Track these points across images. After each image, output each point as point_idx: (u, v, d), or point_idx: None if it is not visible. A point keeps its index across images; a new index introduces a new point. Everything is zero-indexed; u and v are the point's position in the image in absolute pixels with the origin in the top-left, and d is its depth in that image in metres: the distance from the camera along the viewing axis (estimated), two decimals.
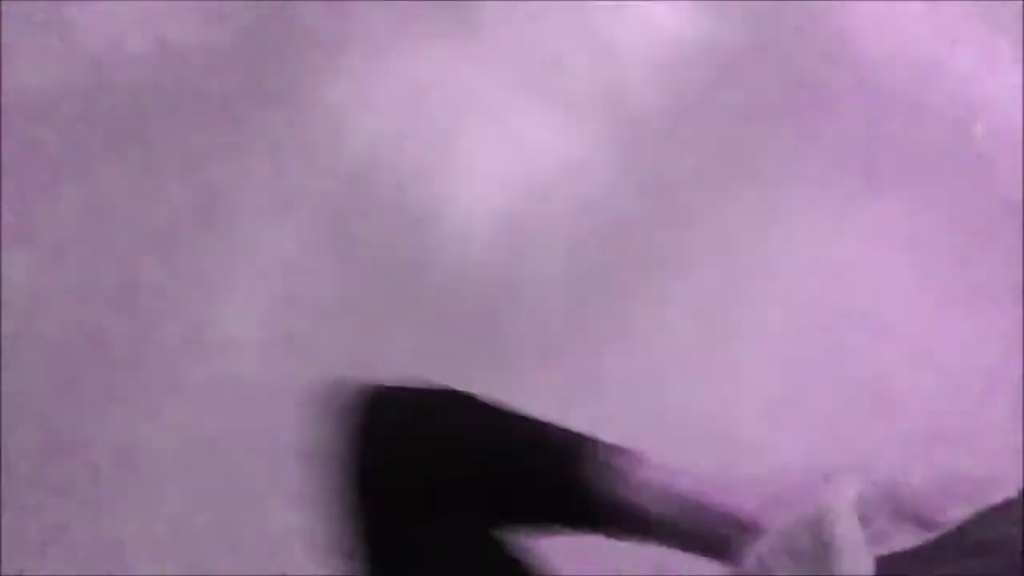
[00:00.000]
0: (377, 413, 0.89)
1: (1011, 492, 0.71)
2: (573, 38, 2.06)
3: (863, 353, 1.82)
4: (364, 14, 2.03)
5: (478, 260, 1.86)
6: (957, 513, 0.71)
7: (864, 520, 0.71)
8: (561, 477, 0.85)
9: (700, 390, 1.76)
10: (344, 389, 0.90)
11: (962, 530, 0.70)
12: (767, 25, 2.09)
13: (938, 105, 2.03)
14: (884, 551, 0.69)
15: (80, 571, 1.58)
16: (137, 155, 1.89)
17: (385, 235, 1.87)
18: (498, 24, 2.06)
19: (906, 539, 0.71)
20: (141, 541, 1.61)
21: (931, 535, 0.70)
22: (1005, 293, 1.87)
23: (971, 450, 1.71)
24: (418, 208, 1.89)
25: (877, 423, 1.76)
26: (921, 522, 0.71)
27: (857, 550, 0.69)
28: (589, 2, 2.08)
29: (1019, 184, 1.96)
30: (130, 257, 1.81)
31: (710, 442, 1.68)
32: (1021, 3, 2.09)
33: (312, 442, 0.92)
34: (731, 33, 2.08)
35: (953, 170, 1.99)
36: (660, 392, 1.76)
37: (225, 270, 1.82)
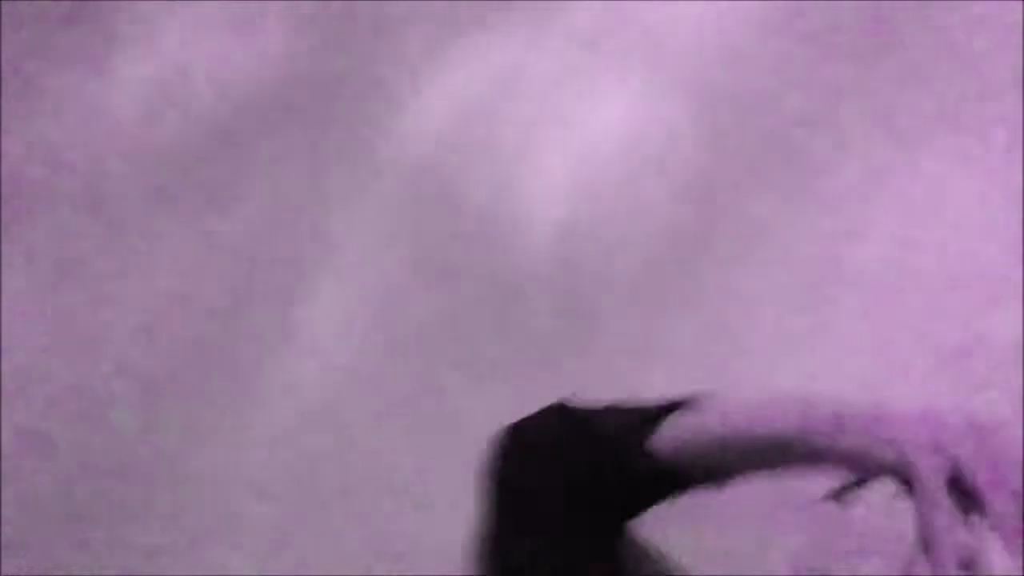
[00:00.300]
0: (501, 457, 0.95)
1: None
2: (657, 22, 1.96)
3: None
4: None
5: (561, 253, 1.78)
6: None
7: None
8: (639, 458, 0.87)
9: (790, 363, 1.66)
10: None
11: None
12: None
13: None
14: None
15: None
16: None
17: (460, 240, 1.80)
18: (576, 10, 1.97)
19: None
20: None
21: None
22: None
23: None
24: (494, 204, 1.81)
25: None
26: None
27: None
28: None
29: None
30: None
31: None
32: None
33: None
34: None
35: None
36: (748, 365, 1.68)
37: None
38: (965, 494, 0.72)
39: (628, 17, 1.95)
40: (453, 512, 1.30)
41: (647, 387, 1.65)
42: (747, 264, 1.76)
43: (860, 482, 0.78)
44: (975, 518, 0.71)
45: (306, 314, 1.78)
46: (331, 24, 1.98)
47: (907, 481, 0.74)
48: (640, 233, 1.78)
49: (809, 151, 1.82)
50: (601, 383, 1.67)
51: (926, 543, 0.71)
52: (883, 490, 0.77)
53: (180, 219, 1.87)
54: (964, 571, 0.71)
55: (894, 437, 0.76)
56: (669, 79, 1.90)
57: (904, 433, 0.76)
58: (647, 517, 0.91)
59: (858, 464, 0.77)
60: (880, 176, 1.80)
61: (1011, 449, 0.73)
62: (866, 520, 1.48)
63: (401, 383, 1.72)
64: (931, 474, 0.73)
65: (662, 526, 1.00)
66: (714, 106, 1.88)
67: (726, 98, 1.89)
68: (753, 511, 1.47)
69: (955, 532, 0.71)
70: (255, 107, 1.94)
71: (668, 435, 0.84)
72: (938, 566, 0.71)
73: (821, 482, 0.80)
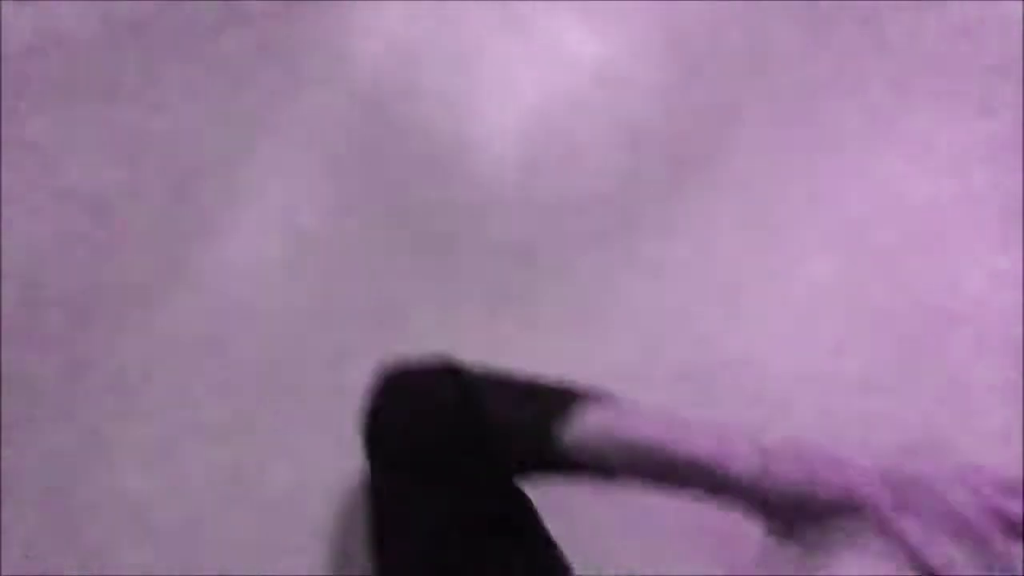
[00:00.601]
0: (386, 394, 1.01)
1: None
2: None
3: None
4: None
5: (513, 179, 1.75)
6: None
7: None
8: (538, 439, 0.91)
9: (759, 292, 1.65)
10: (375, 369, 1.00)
11: None
12: None
13: None
14: None
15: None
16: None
17: (409, 160, 1.76)
18: None
19: None
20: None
21: None
22: None
23: None
24: (444, 127, 1.77)
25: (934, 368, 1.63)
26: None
27: None
28: None
29: None
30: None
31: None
32: None
33: None
34: None
35: None
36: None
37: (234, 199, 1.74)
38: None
39: None
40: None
41: (615, 313, 1.67)
42: (724, 187, 1.73)
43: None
44: None
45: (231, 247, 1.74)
46: None
47: (855, 508, 0.78)
48: (610, 153, 1.75)
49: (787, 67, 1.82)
50: (567, 310, 1.66)
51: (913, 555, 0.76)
52: None
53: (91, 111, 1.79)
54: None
55: (832, 478, 0.80)
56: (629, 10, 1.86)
57: (843, 472, 0.80)
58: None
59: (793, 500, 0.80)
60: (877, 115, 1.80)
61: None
62: None
63: (349, 307, 1.71)
64: (877, 498, 0.78)
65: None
66: (685, 23, 1.85)
67: (696, 14, 1.86)
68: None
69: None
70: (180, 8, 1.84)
71: (575, 429, 0.88)
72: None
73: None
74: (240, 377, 1.60)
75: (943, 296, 1.64)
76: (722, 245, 1.68)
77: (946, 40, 1.84)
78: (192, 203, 1.73)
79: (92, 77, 1.82)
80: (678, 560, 1.45)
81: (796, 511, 0.80)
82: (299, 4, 1.88)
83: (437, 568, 0.93)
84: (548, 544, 1.01)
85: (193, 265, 1.68)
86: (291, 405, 1.58)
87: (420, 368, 1.02)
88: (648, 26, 1.85)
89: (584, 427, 0.89)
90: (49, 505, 1.53)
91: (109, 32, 1.88)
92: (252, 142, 1.76)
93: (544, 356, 1.60)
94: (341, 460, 1.52)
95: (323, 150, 1.76)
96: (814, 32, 1.84)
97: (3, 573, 1.50)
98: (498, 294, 1.66)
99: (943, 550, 0.73)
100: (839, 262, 1.67)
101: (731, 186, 1.73)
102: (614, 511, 1.49)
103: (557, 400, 0.93)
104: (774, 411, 1.56)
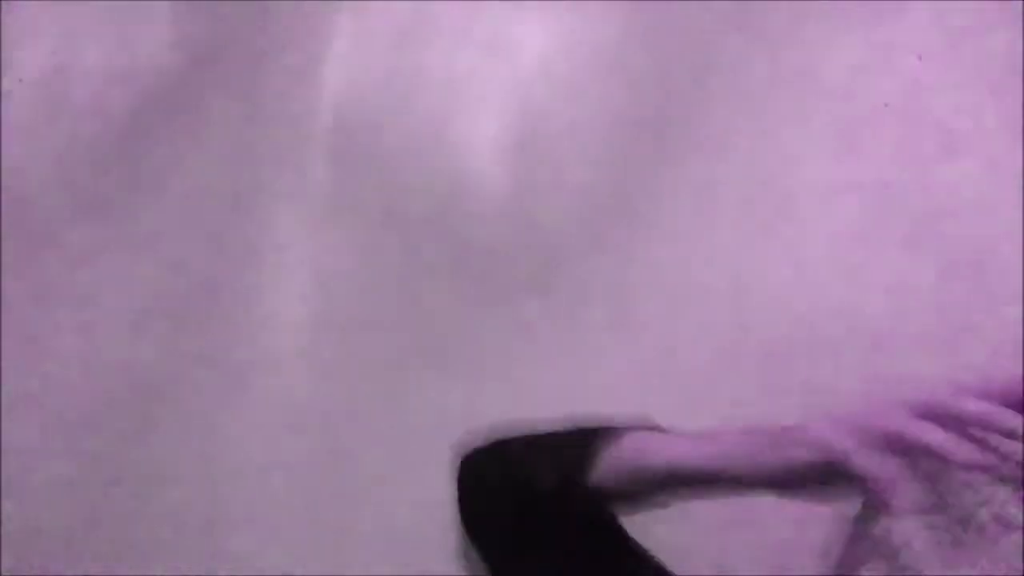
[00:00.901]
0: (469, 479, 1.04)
1: None
2: None
3: None
4: None
5: (500, 187, 1.75)
6: None
7: None
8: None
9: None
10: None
11: None
12: None
13: None
14: None
15: None
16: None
17: (393, 178, 1.77)
18: None
19: None
20: None
21: None
22: None
23: None
24: (424, 138, 1.78)
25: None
26: None
27: None
28: None
29: None
30: None
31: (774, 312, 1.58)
32: None
33: None
34: None
35: None
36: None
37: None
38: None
39: None
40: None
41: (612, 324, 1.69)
42: (708, 172, 1.72)
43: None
44: None
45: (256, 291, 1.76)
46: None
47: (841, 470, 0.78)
48: (592, 149, 1.77)
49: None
50: (562, 323, 1.70)
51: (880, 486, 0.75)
52: None
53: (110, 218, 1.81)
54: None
55: (807, 436, 0.82)
56: None
57: (816, 431, 0.82)
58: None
59: (789, 473, 0.83)
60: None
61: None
62: None
63: (364, 348, 1.73)
64: (856, 448, 0.78)
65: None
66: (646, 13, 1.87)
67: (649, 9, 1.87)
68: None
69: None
70: (160, 94, 1.87)
71: (604, 471, 0.92)
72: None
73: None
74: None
75: None
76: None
77: None
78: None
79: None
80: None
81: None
82: (267, 40, 1.90)
83: None
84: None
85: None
86: None
87: (490, 449, 1.05)
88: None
89: (608, 463, 0.92)
90: None
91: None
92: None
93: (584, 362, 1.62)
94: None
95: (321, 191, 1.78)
96: None
97: None
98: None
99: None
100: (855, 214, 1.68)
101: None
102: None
103: (580, 444, 0.96)
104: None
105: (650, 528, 1.00)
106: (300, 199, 1.79)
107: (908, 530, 0.76)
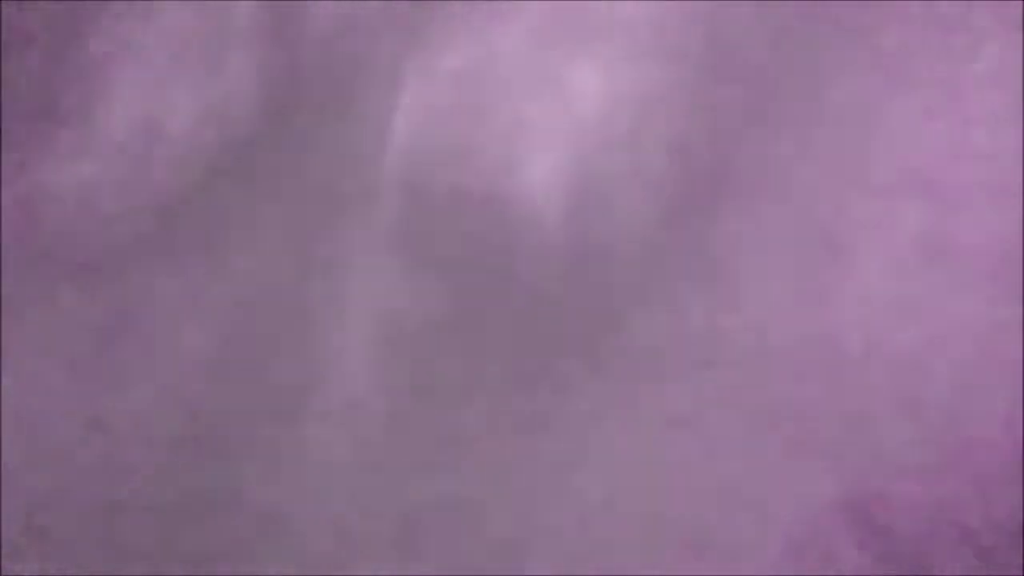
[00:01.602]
0: None
1: None
2: None
3: None
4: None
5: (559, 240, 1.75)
6: None
7: None
8: None
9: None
10: None
11: None
12: None
13: None
14: None
15: None
16: None
17: (461, 235, 1.79)
18: None
19: None
20: None
21: None
22: None
23: None
24: (488, 196, 1.80)
25: None
26: None
27: None
28: None
29: None
30: None
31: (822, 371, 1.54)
32: None
33: None
34: None
35: None
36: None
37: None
38: None
39: None
40: None
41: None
42: (754, 215, 1.72)
43: None
44: None
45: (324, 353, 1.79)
46: (297, 49, 1.96)
47: None
48: (646, 199, 1.77)
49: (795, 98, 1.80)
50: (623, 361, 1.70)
51: None
52: None
53: (186, 265, 1.88)
54: None
55: None
56: (643, 43, 1.88)
57: None
58: None
59: None
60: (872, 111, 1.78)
61: None
62: None
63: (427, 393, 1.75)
64: None
65: None
66: (693, 64, 1.86)
67: (702, 55, 1.87)
68: None
69: None
70: (233, 147, 1.93)
71: None
72: None
73: None
74: None
75: None
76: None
77: None
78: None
79: None
80: None
81: None
82: (339, 89, 1.95)
83: None
84: None
85: None
86: None
87: None
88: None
89: None
90: None
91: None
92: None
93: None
94: None
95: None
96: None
97: None
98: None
99: None
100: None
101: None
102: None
103: None
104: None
105: None
106: (366, 244, 1.82)
107: None
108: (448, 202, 1.81)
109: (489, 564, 1.58)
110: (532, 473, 1.63)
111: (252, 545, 1.66)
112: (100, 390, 1.79)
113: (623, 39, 1.85)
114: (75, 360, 1.81)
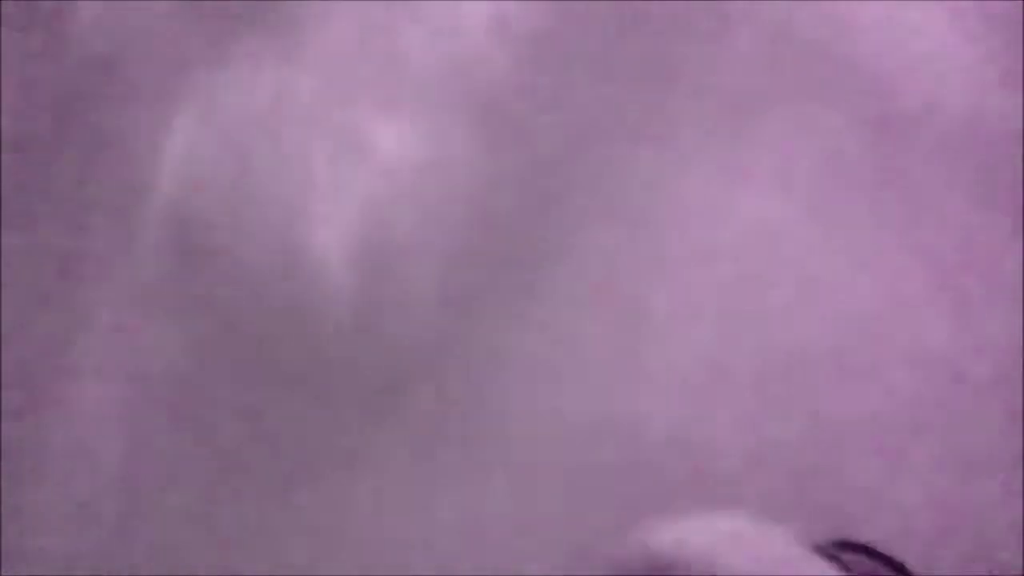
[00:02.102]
0: None
1: None
2: (400, 25, 1.82)
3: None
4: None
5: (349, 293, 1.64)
6: None
7: None
8: None
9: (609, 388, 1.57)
10: None
11: None
12: None
13: None
14: None
15: None
16: None
17: (236, 285, 1.65)
18: (316, 27, 1.82)
19: None
20: None
21: None
22: None
23: None
24: (270, 247, 1.67)
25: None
26: None
27: None
28: None
29: None
30: None
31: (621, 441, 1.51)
32: None
33: None
34: None
35: None
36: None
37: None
38: None
39: (383, 42, 1.82)
40: None
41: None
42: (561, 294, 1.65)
43: None
44: None
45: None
46: (54, 84, 1.77)
47: None
48: (442, 261, 1.69)
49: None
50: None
51: None
52: None
53: None
54: None
55: None
56: (439, 99, 1.80)
57: None
58: None
59: None
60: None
61: None
62: None
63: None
64: None
65: None
66: (494, 121, 1.79)
67: (507, 112, 1.80)
68: None
69: None
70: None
71: None
72: None
73: None
74: None
75: None
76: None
77: None
78: None
79: None
80: None
81: None
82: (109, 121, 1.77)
83: None
84: None
85: None
86: None
87: None
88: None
89: None
90: None
91: None
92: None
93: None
94: None
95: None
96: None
97: None
98: None
99: None
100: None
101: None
102: None
103: None
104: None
105: None
106: (128, 291, 1.66)
107: None
108: (224, 257, 1.68)
109: None
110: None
111: None
112: None
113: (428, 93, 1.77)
114: None
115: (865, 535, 0.83)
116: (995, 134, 1.68)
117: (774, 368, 1.57)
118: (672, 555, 0.71)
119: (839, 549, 0.78)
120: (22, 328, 1.63)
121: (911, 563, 0.80)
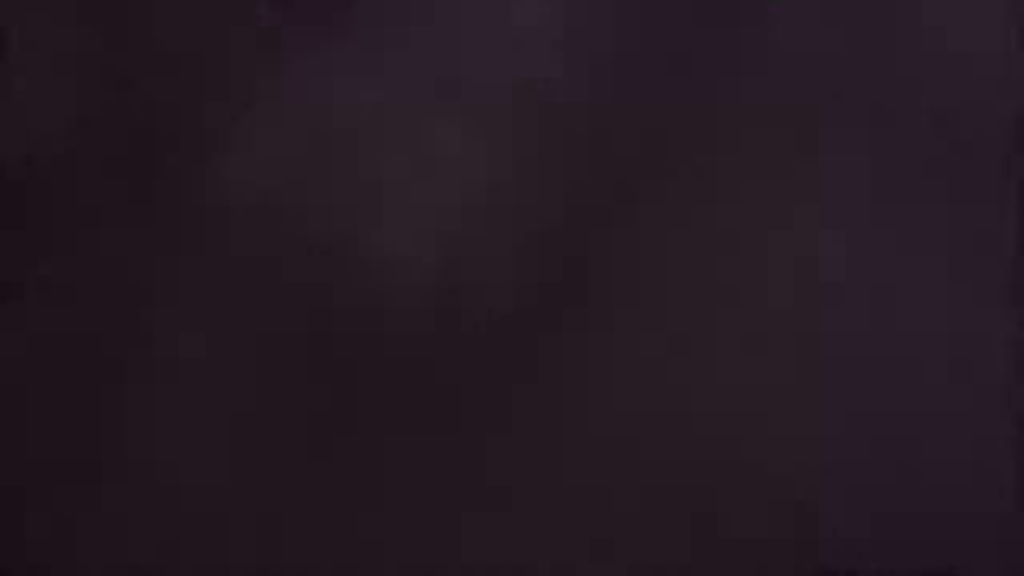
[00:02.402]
0: None
1: None
2: (465, 33, 1.85)
3: None
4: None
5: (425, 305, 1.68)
6: None
7: None
8: None
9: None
10: None
11: None
12: None
13: None
14: None
15: None
16: None
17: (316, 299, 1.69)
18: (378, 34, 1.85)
19: None
20: None
21: None
22: None
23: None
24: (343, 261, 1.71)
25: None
26: None
27: None
28: None
29: None
30: None
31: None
32: None
33: None
34: None
35: None
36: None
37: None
38: None
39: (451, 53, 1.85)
40: None
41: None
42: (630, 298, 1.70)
43: None
44: None
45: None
46: (140, 78, 1.81)
47: None
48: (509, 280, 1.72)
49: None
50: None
51: None
52: None
53: None
54: None
55: None
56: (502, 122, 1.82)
57: None
58: None
59: None
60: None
61: None
62: None
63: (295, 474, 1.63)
64: None
65: None
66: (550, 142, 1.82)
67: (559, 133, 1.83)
68: None
69: None
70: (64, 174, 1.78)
71: None
72: None
73: None
74: None
75: None
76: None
77: None
78: None
79: None
80: None
81: None
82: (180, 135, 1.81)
83: None
84: None
85: None
86: None
87: None
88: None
89: None
90: None
91: None
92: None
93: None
94: None
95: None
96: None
97: None
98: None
99: None
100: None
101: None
102: None
103: None
104: None
105: None
106: (204, 291, 1.70)
107: None
108: (298, 257, 1.71)
109: None
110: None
111: None
112: None
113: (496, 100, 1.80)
114: None
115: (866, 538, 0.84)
116: None
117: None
118: None
119: None
120: (112, 325, 1.68)
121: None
